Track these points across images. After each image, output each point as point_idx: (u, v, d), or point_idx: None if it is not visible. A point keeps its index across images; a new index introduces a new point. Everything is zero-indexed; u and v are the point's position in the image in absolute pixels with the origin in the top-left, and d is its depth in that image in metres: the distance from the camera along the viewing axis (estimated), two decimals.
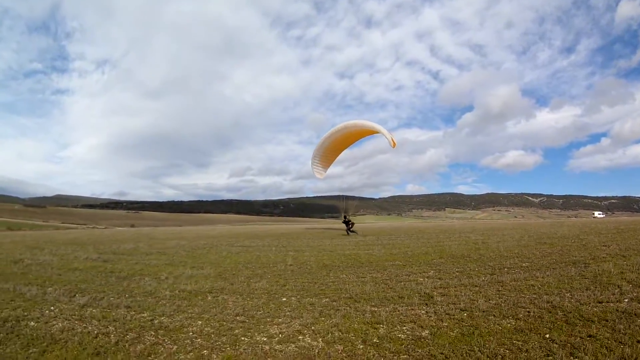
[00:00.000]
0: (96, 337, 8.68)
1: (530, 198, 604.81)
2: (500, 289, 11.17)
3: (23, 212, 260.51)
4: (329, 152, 41.71)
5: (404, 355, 6.95)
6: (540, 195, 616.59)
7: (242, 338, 8.41)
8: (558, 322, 8.11)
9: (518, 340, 7.27)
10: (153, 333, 8.91)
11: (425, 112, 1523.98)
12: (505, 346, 7.04)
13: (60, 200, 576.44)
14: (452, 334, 7.77)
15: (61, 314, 10.48)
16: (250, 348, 7.84)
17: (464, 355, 6.78)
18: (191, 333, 8.83)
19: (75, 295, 12.79)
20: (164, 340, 8.47)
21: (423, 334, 7.87)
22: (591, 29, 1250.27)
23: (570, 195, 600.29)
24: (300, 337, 8.25)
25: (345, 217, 42.59)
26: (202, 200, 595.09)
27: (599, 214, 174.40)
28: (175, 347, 8.07)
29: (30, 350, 8.07)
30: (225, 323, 9.47)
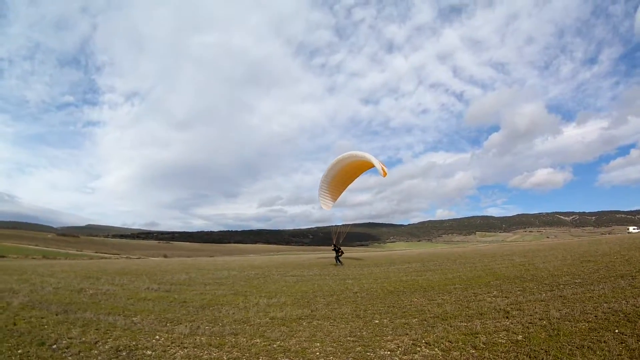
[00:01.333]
0: None
1: (561, 217, 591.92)
2: (564, 302, 12.60)
3: (57, 241, 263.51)
4: (334, 184, 42.40)
5: (512, 353, 8.33)
6: (572, 213, 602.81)
7: (368, 353, 9.37)
8: (622, 321, 9.95)
9: (595, 336, 8.90)
10: (282, 355, 9.67)
11: (451, 135, 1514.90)
12: (587, 340, 8.65)
13: (92, 230, 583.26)
14: (541, 336, 9.20)
15: (172, 343, 10.94)
16: None
17: (558, 349, 8.28)
18: (318, 353, 9.70)
19: (167, 324, 13.30)
20: None
21: (518, 338, 9.30)
22: (612, 38, 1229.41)
23: (602, 211, 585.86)
24: (418, 349, 9.33)
25: (335, 245, 43.20)
26: (231, 230, 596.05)
27: (634, 229, 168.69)
28: None
29: None
30: (341, 343, 10.39)
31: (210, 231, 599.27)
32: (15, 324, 12.94)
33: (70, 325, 12.98)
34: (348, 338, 10.84)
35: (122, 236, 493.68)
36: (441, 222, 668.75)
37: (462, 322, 11.43)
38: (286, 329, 12.28)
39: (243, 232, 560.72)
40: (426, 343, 9.69)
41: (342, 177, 41.91)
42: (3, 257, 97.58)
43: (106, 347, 10.54)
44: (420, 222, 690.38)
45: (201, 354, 10.00)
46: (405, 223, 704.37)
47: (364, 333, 11.22)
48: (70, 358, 9.66)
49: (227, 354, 9.98)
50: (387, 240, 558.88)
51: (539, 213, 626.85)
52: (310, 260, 57.88)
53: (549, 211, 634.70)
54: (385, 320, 12.60)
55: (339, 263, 40.73)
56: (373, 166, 38.06)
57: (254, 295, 19.60)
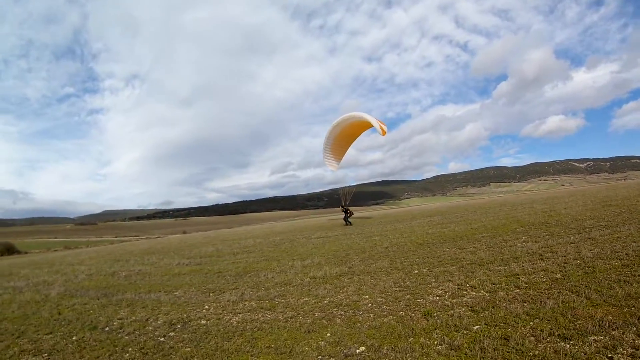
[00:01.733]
0: (287, 322, 9.61)
1: (576, 164, 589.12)
2: (594, 243, 13.09)
3: (76, 231, 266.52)
4: (336, 145, 42.99)
5: (554, 290, 8.80)
6: (587, 160, 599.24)
7: (418, 300, 9.82)
8: None
9: (629, 271, 9.40)
10: (336, 310, 10.02)
11: (459, 87, 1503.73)
12: (622, 275, 9.15)
13: (109, 216, 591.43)
14: (578, 274, 9.68)
15: (223, 310, 11.28)
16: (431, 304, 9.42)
17: (597, 283, 8.77)
18: (370, 304, 10.08)
19: (210, 294, 13.66)
20: (354, 312, 9.67)
21: (557, 276, 9.81)
22: None
23: (617, 157, 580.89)
24: (464, 292, 9.84)
25: (343, 206, 44.35)
26: (246, 200, 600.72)
27: None
28: (373, 314, 9.31)
29: (233, 341, 8.73)
30: (389, 293, 10.82)
31: (225, 203, 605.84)
32: (60, 313, 13.26)
33: (116, 307, 13.44)
34: (394, 288, 11.29)
35: (138, 218, 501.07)
36: (454, 175, 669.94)
37: (499, 266, 11.94)
38: (330, 286, 12.74)
39: (258, 200, 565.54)
40: (471, 286, 10.20)
41: (343, 138, 42.58)
42: (26, 253, 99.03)
43: (158, 322, 10.92)
44: (434, 177, 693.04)
45: (255, 317, 10.37)
46: (419, 178, 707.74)
47: (407, 283, 11.67)
48: (126, 337, 9.90)
49: (281, 314, 10.36)
50: (402, 197, 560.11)
51: (553, 161, 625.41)
52: (329, 222, 58.87)
53: (563, 159, 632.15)
54: (424, 270, 13.08)
55: (348, 223, 41.66)
56: (372, 126, 38.53)
57: (287, 259, 20.08)
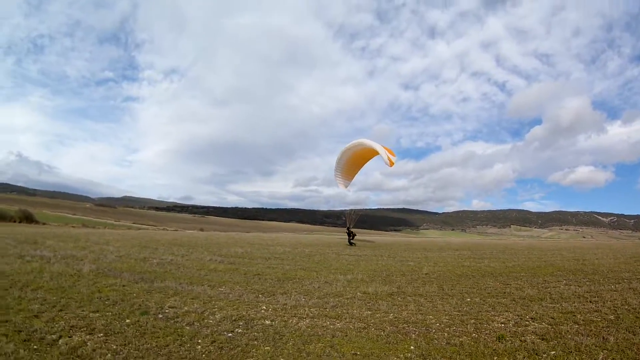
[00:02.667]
0: (360, 332, 9.87)
1: (599, 217, 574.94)
2: (636, 293, 13.84)
3: (95, 211, 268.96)
4: (347, 167, 44.38)
5: (612, 328, 9.64)
6: (611, 214, 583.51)
7: (483, 325, 10.35)
8: None
9: None
10: (406, 326, 10.38)
11: (492, 125, 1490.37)
12: None
13: (128, 201, 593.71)
14: (630, 318, 10.54)
15: (285, 313, 11.38)
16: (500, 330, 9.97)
17: None
18: (437, 324, 10.52)
19: (259, 295, 13.74)
20: (426, 329, 10.07)
21: (610, 317, 10.69)
22: None
23: None
24: (526, 322, 10.50)
25: (348, 228, 45.57)
26: (265, 208, 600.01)
27: None
28: (446, 333, 9.74)
29: (314, 345, 8.87)
30: (453, 316, 11.28)
31: (245, 207, 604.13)
32: (100, 291, 13.13)
33: (161, 294, 13.36)
34: (454, 312, 11.74)
35: (157, 208, 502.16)
36: (476, 212, 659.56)
37: (550, 303, 12.48)
38: (387, 303, 12.99)
39: (277, 210, 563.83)
40: (531, 318, 10.77)
41: (353, 162, 44.02)
42: (45, 224, 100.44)
43: (217, 317, 10.87)
44: (455, 211, 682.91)
45: (324, 324, 10.58)
46: (440, 211, 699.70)
47: (466, 309, 12.13)
48: (188, 328, 9.83)
49: (349, 324, 10.59)
50: (421, 227, 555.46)
51: (577, 211, 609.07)
52: (381, 241, 59.43)
53: (587, 210, 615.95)
54: (476, 299, 13.52)
55: (352, 244, 43.05)
56: (374, 154, 39.83)
57: (325, 272, 20.27)
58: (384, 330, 10.01)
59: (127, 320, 10.12)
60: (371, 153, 40.91)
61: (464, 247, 43.51)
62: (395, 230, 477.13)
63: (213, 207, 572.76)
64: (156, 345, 8.55)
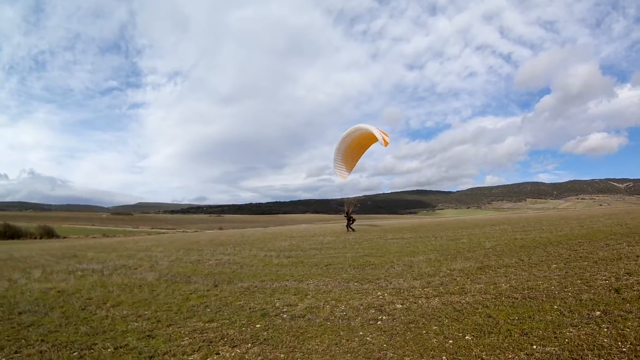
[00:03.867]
0: (497, 301, 10.01)
1: (615, 184, 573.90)
2: None
3: (112, 220, 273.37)
4: (347, 156, 44.69)
5: None
6: (627, 180, 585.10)
7: (590, 283, 10.77)
8: None
9: None
10: (531, 292, 10.55)
11: (500, 99, 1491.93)
12: None
13: (143, 208, 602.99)
14: None
15: (408, 295, 11.44)
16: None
17: None
18: (552, 287, 10.77)
19: (355, 283, 13.71)
20: (556, 291, 10.40)
21: None
22: None
23: None
24: (628, 277, 10.93)
25: (347, 213, 46.53)
26: (279, 201, 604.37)
27: None
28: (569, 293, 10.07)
29: (474, 319, 8.83)
30: (560, 280, 11.50)
31: (259, 203, 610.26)
32: (189, 299, 12.86)
33: (258, 294, 13.12)
34: (555, 277, 11.97)
35: (172, 212, 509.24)
36: (490, 188, 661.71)
37: (630, 261, 13.01)
38: (486, 276, 13.15)
39: (291, 202, 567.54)
40: (627, 274, 11.35)
41: (353, 150, 44.36)
42: (65, 237, 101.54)
43: (342, 307, 10.80)
44: (469, 189, 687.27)
45: (455, 299, 10.64)
46: (454, 190, 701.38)
47: (561, 273, 12.36)
48: (328, 323, 9.57)
49: (475, 297, 10.67)
50: (436, 208, 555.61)
51: (592, 179, 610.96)
52: (390, 224, 59.72)
53: (602, 177, 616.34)
54: (561, 265, 13.73)
55: (350, 230, 44.10)
56: (371, 138, 40.27)
57: (390, 256, 19.92)
58: (516, 298, 10.17)
59: (258, 325, 9.81)
60: (369, 137, 41.44)
61: (499, 222, 43.51)
62: (411, 213, 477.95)
63: (227, 206, 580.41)
64: (320, 345, 8.27)
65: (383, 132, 38.57)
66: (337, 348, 8.02)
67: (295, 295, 12.61)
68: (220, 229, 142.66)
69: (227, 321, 10.28)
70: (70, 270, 21.43)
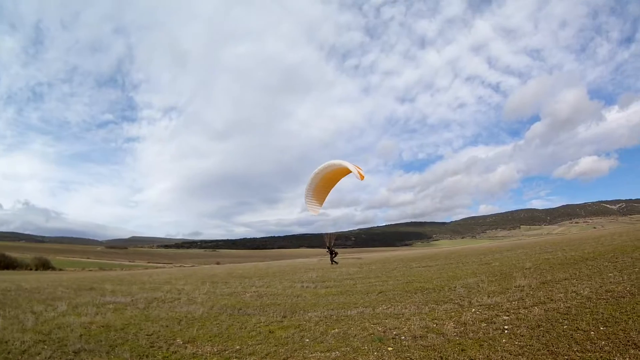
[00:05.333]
0: (582, 312, 10.46)
1: (608, 206, 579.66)
2: None
3: (107, 253, 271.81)
4: (318, 191, 45.99)
5: None
6: (619, 201, 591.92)
7: None
8: None
9: None
10: (613, 295, 11.55)
11: (491, 128, 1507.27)
12: None
13: (137, 242, 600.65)
14: None
15: (511, 309, 11.89)
16: None
17: None
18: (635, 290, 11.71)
19: (426, 305, 13.96)
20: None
21: None
22: None
23: None
24: None
25: (328, 247, 48.42)
26: (274, 236, 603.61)
27: None
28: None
29: (586, 321, 9.63)
30: (633, 285, 12.34)
31: (253, 238, 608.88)
32: (272, 332, 12.49)
33: (346, 321, 12.98)
34: (627, 283, 12.94)
35: (166, 246, 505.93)
36: (484, 217, 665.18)
37: None
38: (557, 288, 13.98)
39: (285, 237, 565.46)
40: None
41: (324, 185, 45.69)
42: (61, 270, 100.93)
43: (449, 326, 11.01)
44: (463, 219, 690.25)
45: (556, 306, 11.44)
46: (448, 220, 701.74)
47: (625, 277, 13.81)
48: (465, 339, 9.85)
49: (566, 303, 11.59)
50: (431, 239, 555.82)
51: (584, 203, 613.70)
52: (404, 255, 61.77)
53: (595, 200, 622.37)
54: (616, 273, 15.02)
55: (334, 263, 45.23)
56: (351, 172, 40.73)
57: (435, 281, 20.12)
58: (607, 298, 11.38)
59: (390, 349, 9.84)
60: (342, 172, 43.01)
61: (514, 248, 42.94)
62: (406, 245, 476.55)
63: (222, 241, 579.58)
64: (481, 352, 8.87)
65: (358, 167, 39.93)
66: (504, 353, 8.58)
67: (394, 318, 12.61)
68: (218, 263, 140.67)
69: (349, 348, 10.16)
70: (97, 303, 20.81)
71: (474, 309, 12.46)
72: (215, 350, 11.07)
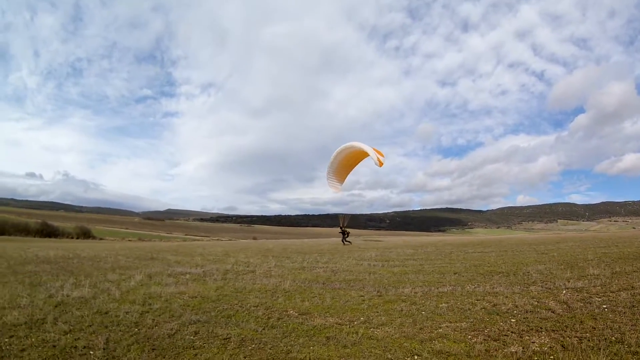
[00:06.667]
0: None
1: None
2: None
3: (144, 225, 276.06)
4: (339, 169, 48.23)
5: None
6: None
7: None
8: None
9: None
10: None
11: (533, 117, 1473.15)
12: None
13: (172, 214, 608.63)
14: None
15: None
16: None
17: None
18: None
19: (513, 286, 14.76)
20: None
21: None
22: None
23: None
24: None
25: (341, 227, 51.23)
26: (308, 214, 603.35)
27: None
28: None
29: None
30: None
31: (288, 215, 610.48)
32: (384, 304, 12.73)
33: (447, 297, 13.45)
34: None
35: (202, 219, 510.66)
36: (521, 208, 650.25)
37: None
38: (631, 276, 15.42)
39: (319, 215, 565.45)
40: None
41: (345, 164, 47.87)
42: (102, 239, 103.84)
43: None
44: (500, 208, 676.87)
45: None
46: (485, 209, 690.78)
47: None
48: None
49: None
50: (466, 226, 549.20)
51: (626, 201, 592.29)
52: (438, 240, 61.14)
53: (636, 199, 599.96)
54: None
55: (347, 243, 48.58)
56: (365, 155, 42.94)
57: (507, 265, 20.99)
58: None
59: (513, 320, 10.63)
60: (361, 154, 44.47)
61: (564, 240, 43.09)
62: (440, 231, 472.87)
63: (256, 216, 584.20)
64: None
65: (378, 152, 40.65)
66: (619, 324, 9.59)
67: (492, 296, 13.32)
68: (254, 238, 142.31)
69: (473, 320, 10.75)
70: (169, 273, 20.88)
71: (564, 291, 13.33)
72: (341, 321, 11.04)
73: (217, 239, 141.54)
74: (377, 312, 11.88)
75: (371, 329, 10.26)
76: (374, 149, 41.73)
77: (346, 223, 51.67)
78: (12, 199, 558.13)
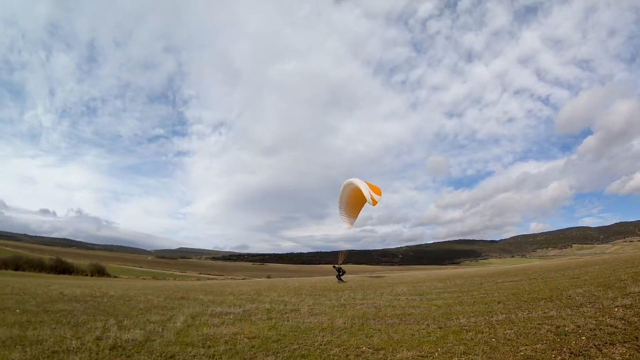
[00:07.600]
0: None
1: None
2: None
3: (157, 263, 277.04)
4: (348, 207, 47.70)
5: None
6: None
7: None
8: None
9: None
10: None
11: (541, 143, 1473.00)
12: None
13: (184, 253, 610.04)
14: None
15: None
16: None
17: None
18: None
19: (561, 310, 15.28)
20: None
21: None
22: None
23: None
24: None
25: (334, 265, 49.84)
26: (320, 252, 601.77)
27: None
28: None
29: None
30: None
31: (300, 253, 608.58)
32: (450, 336, 12.87)
33: (515, 325, 13.68)
34: None
35: (214, 258, 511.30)
36: (534, 235, 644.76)
37: None
38: None
39: (332, 252, 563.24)
40: None
41: (353, 203, 46.92)
42: (116, 277, 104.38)
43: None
44: (513, 237, 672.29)
45: None
46: (497, 239, 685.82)
47: None
48: None
49: None
50: (480, 257, 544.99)
51: (639, 220, 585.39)
52: (463, 272, 62.71)
53: None
54: None
55: (341, 281, 46.62)
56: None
57: (547, 291, 21.47)
58: None
59: (583, 338, 11.38)
60: (360, 194, 42.77)
61: (586, 265, 42.14)
62: (454, 263, 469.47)
63: (269, 254, 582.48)
64: None
65: (374, 188, 40.83)
66: None
67: (549, 319, 14.01)
68: (269, 277, 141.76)
69: (549, 340, 11.47)
70: (212, 313, 20.51)
71: (615, 309, 14.04)
72: (421, 354, 11.25)
73: (231, 278, 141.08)
74: (452, 343, 12.09)
75: (456, 359, 10.69)
76: (370, 185, 41.75)
77: (342, 260, 50.71)
78: (25, 235, 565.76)
